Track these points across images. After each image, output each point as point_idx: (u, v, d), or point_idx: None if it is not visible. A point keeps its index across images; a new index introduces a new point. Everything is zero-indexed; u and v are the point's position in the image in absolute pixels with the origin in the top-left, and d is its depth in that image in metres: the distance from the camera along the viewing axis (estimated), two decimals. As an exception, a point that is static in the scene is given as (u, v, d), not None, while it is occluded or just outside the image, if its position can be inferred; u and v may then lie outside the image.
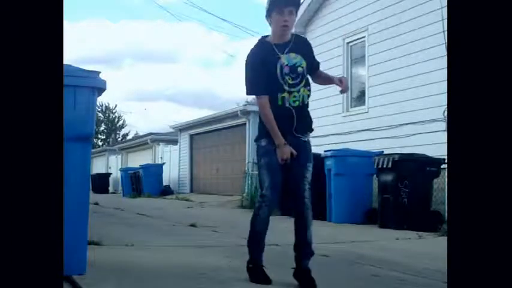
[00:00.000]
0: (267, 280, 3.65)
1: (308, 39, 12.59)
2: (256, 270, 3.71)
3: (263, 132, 3.68)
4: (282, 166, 3.61)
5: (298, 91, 3.65)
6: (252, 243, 3.78)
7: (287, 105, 3.62)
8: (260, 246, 3.76)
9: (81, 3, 79.19)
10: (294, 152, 3.59)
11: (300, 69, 3.66)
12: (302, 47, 3.76)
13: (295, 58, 3.67)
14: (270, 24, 3.69)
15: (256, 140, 3.76)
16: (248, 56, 3.71)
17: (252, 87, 3.69)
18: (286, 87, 3.62)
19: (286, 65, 3.62)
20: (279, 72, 3.60)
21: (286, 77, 3.61)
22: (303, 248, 3.70)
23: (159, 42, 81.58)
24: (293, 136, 3.64)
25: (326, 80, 3.96)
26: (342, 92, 3.86)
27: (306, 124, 3.75)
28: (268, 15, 3.65)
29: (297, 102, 3.64)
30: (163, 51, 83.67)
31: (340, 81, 3.78)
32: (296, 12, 3.69)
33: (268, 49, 3.65)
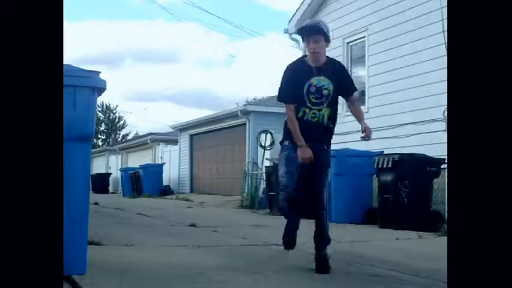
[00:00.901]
0: (292, 244, 4.28)
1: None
2: (288, 231, 4.30)
3: (286, 135, 4.22)
4: (302, 168, 4.11)
5: (319, 110, 4.15)
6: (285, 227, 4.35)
7: (305, 119, 4.13)
8: (294, 223, 4.29)
9: (81, 3, 79.22)
10: (312, 155, 4.08)
11: (325, 91, 4.16)
12: (333, 72, 4.22)
13: (323, 81, 4.15)
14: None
15: (281, 142, 4.30)
16: (285, 69, 4.24)
17: (281, 95, 4.26)
18: (308, 104, 4.13)
19: (314, 85, 4.13)
20: (306, 90, 4.11)
21: (311, 96, 4.13)
22: (320, 240, 4.19)
23: (159, 43, 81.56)
24: (311, 143, 4.11)
25: (355, 115, 4.36)
26: (362, 138, 4.21)
27: (324, 136, 4.24)
28: (303, 41, 4.29)
29: (316, 119, 4.16)
30: (163, 52, 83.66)
31: (364, 130, 4.17)
32: (325, 38, 4.13)
33: (303, 68, 4.17)
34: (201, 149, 21.42)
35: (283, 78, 4.22)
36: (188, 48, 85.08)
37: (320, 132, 4.19)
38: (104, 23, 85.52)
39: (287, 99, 4.20)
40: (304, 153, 4.07)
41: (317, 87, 4.12)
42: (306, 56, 4.25)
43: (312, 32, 4.14)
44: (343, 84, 4.26)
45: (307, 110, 4.13)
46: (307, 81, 4.11)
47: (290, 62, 4.28)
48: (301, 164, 4.09)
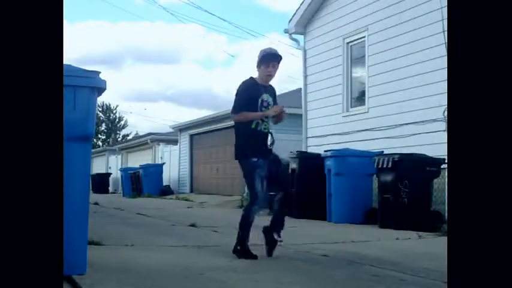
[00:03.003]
0: (255, 256, 4.67)
1: (308, 39, 12.88)
2: (246, 250, 4.72)
3: (251, 151, 4.85)
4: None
5: (268, 122, 4.97)
6: (244, 231, 4.76)
7: (258, 129, 4.90)
8: (248, 232, 4.78)
9: (81, 4, 79.21)
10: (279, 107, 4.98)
11: (270, 107, 4.98)
12: (273, 93, 5.08)
13: (268, 98, 4.98)
14: (258, 70, 4.97)
15: (245, 158, 4.89)
16: (240, 86, 4.98)
17: (235, 107, 4.97)
18: None
19: (265, 100, 4.95)
20: (260, 104, 4.90)
21: (264, 109, 4.92)
22: (280, 227, 4.94)
23: (159, 43, 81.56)
24: (267, 151, 4.90)
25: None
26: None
27: (268, 146, 4.98)
28: (258, 66, 4.95)
29: (266, 130, 4.95)
30: (163, 52, 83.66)
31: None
32: (278, 64, 4.98)
33: (255, 86, 4.96)
34: (201, 149, 21.41)
35: (239, 92, 4.95)
36: (188, 49, 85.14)
37: (266, 142, 4.96)
38: (104, 23, 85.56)
39: (238, 109, 4.93)
40: (276, 109, 4.93)
41: (267, 102, 4.95)
42: (254, 77, 4.99)
43: (275, 57, 4.95)
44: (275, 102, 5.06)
45: (260, 122, 4.90)
46: (259, 97, 4.90)
47: (244, 79, 5.03)
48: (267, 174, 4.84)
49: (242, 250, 4.71)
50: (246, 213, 4.82)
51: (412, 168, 7.93)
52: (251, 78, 5.03)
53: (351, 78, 11.80)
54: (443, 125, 8.78)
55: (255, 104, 4.88)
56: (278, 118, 4.99)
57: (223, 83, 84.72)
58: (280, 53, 5.03)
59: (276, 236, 4.84)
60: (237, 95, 4.98)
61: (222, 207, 13.59)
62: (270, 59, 4.94)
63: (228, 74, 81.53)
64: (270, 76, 4.99)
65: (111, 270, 3.84)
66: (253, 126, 4.86)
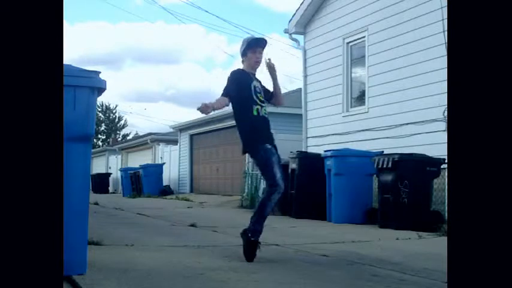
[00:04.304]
0: (253, 258, 4.52)
1: (308, 39, 12.98)
2: (255, 245, 4.57)
3: (261, 139, 4.72)
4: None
5: (265, 107, 4.88)
6: (260, 222, 4.63)
7: (261, 114, 4.80)
8: (263, 224, 4.68)
9: (82, 5, 79.24)
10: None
11: (263, 93, 4.94)
12: (260, 83, 4.98)
13: (259, 85, 4.93)
14: (243, 61, 4.95)
15: (258, 144, 4.70)
16: (231, 74, 4.88)
17: (224, 91, 4.80)
18: (259, 102, 4.83)
19: (257, 87, 4.88)
20: (253, 90, 4.82)
21: (258, 95, 4.84)
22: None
23: (159, 43, 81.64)
24: (272, 142, 4.76)
25: (276, 92, 5.09)
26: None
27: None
28: (244, 54, 4.90)
29: (266, 115, 4.86)
30: (163, 52, 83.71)
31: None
32: (263, 50, 4.93)
33: (245, 73, 4.90)
34: (201, 149, 21.42)
35: (228, 79, 4.83)
36: (188, 49, 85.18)
37: (269, 129, 4.88)
38: (104, 24, 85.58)
39: (230, 93, 4.78)
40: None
41: (259, 88, 4.89)
42: (240, 68, 4.95)
43: (261, 43, 4.93)
44: (265, 89, 5.01)
45: (259, 107, 4.80)
46: (251, 83, 4.83)
47: (235, 68, 4.97)
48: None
49: (254, 243, 4.52)
50: (264, 202, 4.60)
51: (412, 168, 7.93)
52: (239, 69, 4.96)
53: (351, 78, 11.81)
54: (443, 125, 8.78)
55: (249, 89, 4.79)
56: (277, 99, 5.04)
57: (223, 83, 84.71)
58: (265, 38, 4.98)
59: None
60: (228, 79, 4.85)
61: (222, 207, 13.59)
62: (256, 45, 4.90)
63: (227, 74, 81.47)
64: (258, 63, 4.91)
65: (111, 270, 3.84)
66: (255, 113, 4.73)
